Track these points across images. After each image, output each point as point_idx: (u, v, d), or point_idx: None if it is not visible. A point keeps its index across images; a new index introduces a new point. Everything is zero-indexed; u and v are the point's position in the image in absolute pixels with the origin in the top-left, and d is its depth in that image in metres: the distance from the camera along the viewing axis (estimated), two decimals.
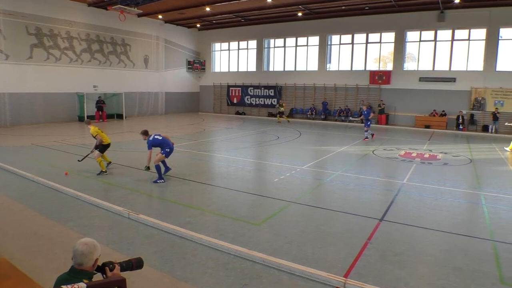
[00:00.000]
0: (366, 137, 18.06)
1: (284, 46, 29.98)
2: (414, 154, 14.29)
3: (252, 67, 31.77)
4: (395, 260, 5.28)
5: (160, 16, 28.05)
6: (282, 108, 25.79)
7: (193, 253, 5.38)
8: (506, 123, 19.11)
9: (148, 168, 9.29)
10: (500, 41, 23.06)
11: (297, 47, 29.35)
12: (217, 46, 33.99)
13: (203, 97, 34.84)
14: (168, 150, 9.25)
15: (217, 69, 34.21)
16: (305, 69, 29.22)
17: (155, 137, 9.29)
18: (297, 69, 29.57)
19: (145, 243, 5.76)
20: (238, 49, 32.47)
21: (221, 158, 13.04)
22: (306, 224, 6.66)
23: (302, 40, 29.08)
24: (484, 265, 5.22)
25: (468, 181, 10.69)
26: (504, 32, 22.97)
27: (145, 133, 9.55)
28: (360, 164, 12.43)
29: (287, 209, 7.39)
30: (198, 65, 33.70)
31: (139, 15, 25.93)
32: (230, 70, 33.26)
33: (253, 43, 31.44)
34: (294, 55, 29.56)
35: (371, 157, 13.74)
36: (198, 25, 31.79)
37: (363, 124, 18.69)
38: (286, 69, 30.09)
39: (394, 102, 25.71)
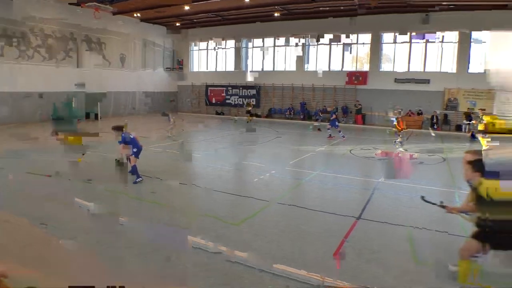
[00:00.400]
0: (331, 135, 18.41)
1: (263, 46, 30.08)
2: (390, 154, 14.61)
3: (231, 67, 31.71)
4: (371, 258, 5.40)
5: (136, 14, 27.57)
6: (249, 108, 25.08)
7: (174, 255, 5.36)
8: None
9: (118, 161, 9.32)
10: (472, 43, 23.91)
11: (276, 47, 29.52)
12: (195, 45, 33.73)
13: (181, 96, 34.53)
14: (136, 150, 9.17)
15: (195, 69, 33.95)
16: (284, 69, 29.41)
17: (128, 135, 9.24)
18: (275, 69, 29.72)
19: (124, 246, 5.68)
20: (216, 48, 32.27)
21: (200, 158, 12.99)
22: (286, 224, 6.73)
23: (280, 40, 29.24)
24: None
25: (442, 179, 11.01)
26: (476, 35, 23.83)
27: (119, 128, 9.42)
28: (337, 164, 12.63)
29: (267, 209, 7.43)
30: (176, 64, 33.34)
31: (115, 13, 25.45)
32: (209, 70, 33.10)
33: (231, 43, 31.36)
34: (272, 55, 29.70)
35: (349, 156, 13.96)
36: (177, 24, 31.39)
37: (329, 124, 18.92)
38: (264, 69, 30.17)
39: (371, 102, 26.16)
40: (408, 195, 8.90)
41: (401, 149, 15.42)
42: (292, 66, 29.04)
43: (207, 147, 15.39)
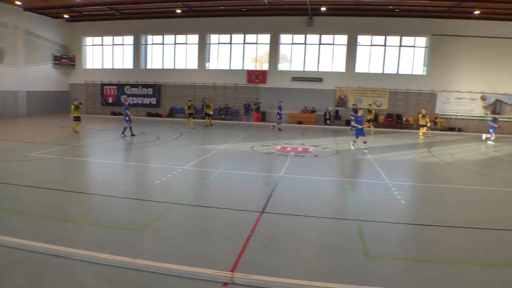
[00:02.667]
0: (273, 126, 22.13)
1: (163, 44, 29.23)
2: (289, 149, 15.40)
3: (129, 65, 30.16)
4: (277, 249, 5.63)
5: (18, 2, 24.49)
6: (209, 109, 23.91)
7: (70, 271, 4.88)
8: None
9: None
10: (358, 46, 26.47)
11: (176, 45, 28.95)
12: (88, 40, 31.20)
13: (73, 96, 31.44)
14: None
15: (89, 66, 31.41)
16: (185, 68, 28.97)
17: None
18: (176, 67, 29.13)
19: (10, 269, 4.88)
20: (113, 44, 30.44)
21: (96, 163, 12.07)
22: (190, 225, 6.66)
23: (181, 38, 28.74)
24: (352, 243, 5.96)
25: (335, 170, 12.00)
26: (361, 39, 26.43)
27: None
28: (240, 161, 12.89)
29: (170, 211, 7.25)
30: (66, 60, 30.26)
31: None
32: (104, 67, 30.91)
33: (129, 39, 29.80)
34: (173, 53, 29.06)
35: (251, 153, 14.35)
36: (65, 16, 28.73)
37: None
38: (165, 67, 29.38)
39: (270, 101, 27.23)
40: (306, 187, 9.51)
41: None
42: (193, 64, 28.74)
43: (104, 151, 14.42)
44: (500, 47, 24.75)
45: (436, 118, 25.12)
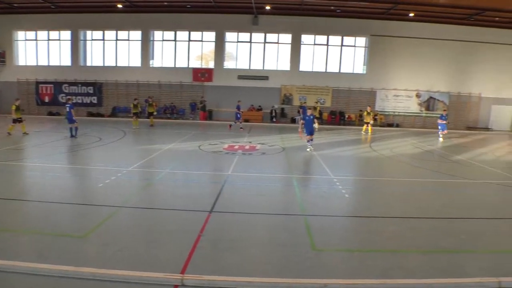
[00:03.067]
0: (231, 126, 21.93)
1: (103, 40, 27.95)
2: (236, 147, 15.45)
3: (67, 61, 28.47)
4: (227, 247, 5.64)
5: None
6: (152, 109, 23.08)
7: (6, 285, 4.55)
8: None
9: None
10: (302, 45, 27.14)
11: (118, 41, 27.83)
12: (20, 35, 28.91)
13: (4, 95, 29.26)
14: None
15: (21, 62, 29.16)
16: (127, 65, 27.94)
17: None
18: (118, 65, 28.01)
19: None
20: (48, 39, 28.53)
21: (33, 168, 11.25)
22: (138, 228, 6.46)
23: (123, 34, 27.66)
24: (300, 237, 6.13)
25: (282, 167, 12.23)
26: (305, 38, 27.12)
27: None
28: (188, 160, 12.71)
29: (116, 215, 6.99)
30: None
31: None
32: (40, 64, 28.83)
33: (66, 34, 28.07)
34: (115, 49, 27.90)
35: (198, 152, 14.22)
36: None
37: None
38: (106, 65, 28.14)
39: (217, 99, 27.14)
40: (255, 184, 9.61)
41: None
42: (136, 62, 27.81)
43: (42, 154, 13.52)
44: (432, 47, 26.64)
45: (376, 115, 26.43)
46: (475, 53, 26.96)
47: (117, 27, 27.46)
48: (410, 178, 11.33)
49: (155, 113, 23.24)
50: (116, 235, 6.04)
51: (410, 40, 26.66)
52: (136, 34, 27.52)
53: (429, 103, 27.68)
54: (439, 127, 20.58)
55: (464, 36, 26.47)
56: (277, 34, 27.15)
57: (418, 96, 27.59)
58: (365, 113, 22.23)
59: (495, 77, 27.28)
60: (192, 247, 5.56)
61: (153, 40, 27.83)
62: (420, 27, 26.27)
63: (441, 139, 20.25)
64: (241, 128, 22.08)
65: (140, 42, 27.52)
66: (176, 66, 27.72)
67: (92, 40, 28.37)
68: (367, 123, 21.85)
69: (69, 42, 28.09)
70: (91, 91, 27.95)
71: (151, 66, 27.89)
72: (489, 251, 6.03)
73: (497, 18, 24.52)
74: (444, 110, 22.05)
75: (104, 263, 4.99)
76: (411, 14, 24.68)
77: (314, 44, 27.38)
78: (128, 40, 27.77)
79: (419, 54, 26.79)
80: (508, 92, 27.58)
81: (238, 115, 21.86)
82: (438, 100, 27.61)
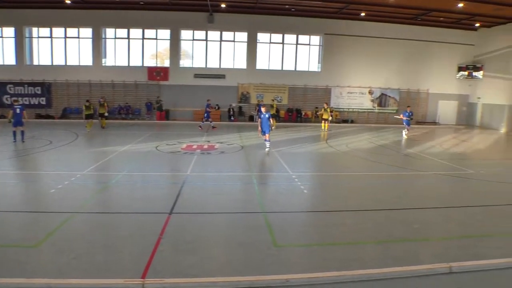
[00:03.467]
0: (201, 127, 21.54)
1: (51, 37, 26.49)
2: (195, 146, 15.30)
3: (11, 60, 26.69)
4: (188, 248, 5.58)
5: None
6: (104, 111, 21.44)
7: None
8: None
9: None
10: (258, 44, 27.28)
11: (67, 39, 26.49)
12: None
13: None
14: None
15: None
16: (78, 64, 26.70)
17: None
18: (68, 64, 26.69)
19: None
20: None
21: None
22: (94, 233, 6.21)
23: (73, 31, 26.40)
24: (260, 234, 6.18)
25: (241, 165, 12.25)
26: (261, 36, 27.29)
27: None
28: (144, 162, 12.41)
29: (71, 221, 6.69)
30: None
31: None
32: None
33: (9, 31, 26.21)
34: (64, 47, 26.56)
35: (155, 153, 13.93)
36: None
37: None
38: (55, 64, 26.70)
39: (174, 98, 26.69)
40: (214, 184, 9.58)
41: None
42: (87, 60, 26.65)
43: None
44: (383, 46, 27.76)
45: (332, 112, 27.11)
46: (423, 51, 28.40)
47: (66, 24, 26.11)
48: (365, 172, 11.75)
49: (106, 114, 21.57)
50: (71, 242, 5.78)
51: (362, 39, 27.59)
52: (87, 32, 26.35)
53: (381, 100, 28.81)
54: (405, 124, 20.23)
55: (413, 35, 27.82)
56: (233, 32, 27.10)
57: (370, 93, 28.63)
58: (322, 110, 22.66)
59: (440, 74, 28.92)
60: (153, 250, 5.44)
61: (105, 38, 26.81)
62: (371, 26, 27.26)
63: (404, 136, 20.05)
64: (213, 127, 21.85)
65: (91, 40, 26.39)
66: (130, 65, 26.89)
67: (39, 37, 26.78)
68: (325, 119, 22.30)
69: (13, 39, 26.28)
70: (39, 92, 26.43)
71: (103, 65, 26.85)
72: (440, 238, 6.39)
73: (441, 18, 25.95)
74: (408, 107, 21.76)
75: (59, 272, 4.77)
76: (363, 14, 25.53)
77: (270, 43, 27.61)
78: (78, 37, 26.51)
79: (371, 52, 27.81)
80: (452, 88, 29.32)
81: (207, 114, 21.53)
82: (389, 96, 28.80)
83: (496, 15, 23.94)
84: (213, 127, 21.90)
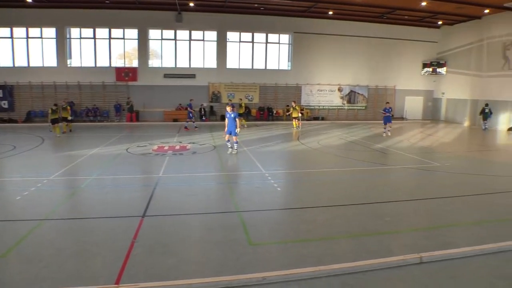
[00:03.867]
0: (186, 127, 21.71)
1: (12, 37, 25.36)
2: (166, 147, 15.10)
3: None
4: (162, 251, 5.51)
5: None
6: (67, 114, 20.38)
7: None
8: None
9: None
10: (228, 43, 27.17)
11: (29, 39, 25.45)
12: None
13: None
14: None
15: None
16: (42, 65, 25.72)
17: None
18: (31, 65, 25.66)
19: None
20: None
21: None
22: (65, 241, 6.00)
23: (35, 31, 25.38)
24: (235, 234, 6.19)
25: (214, 165, 12.21)
26: (230, 35, 27.19)
27: None
28: (115, 165, 12.12)
29: (39, 229, 6.45)
30: None
31: None
32: None
33: None
34: (26, 48, 25.48)
35: (126, 155, 13.65)
36: None
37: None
38: (16, 65, 25.58)
39: (143, 99, 26.21)
40: (187, 184, 9.50)
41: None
42: (52, 62, 25.71)
43: None
44: (351, 44, 28.35)
45: (302, 109, 27.43)
46: (389, 49, 29.19)
47: (28, 24, 25.08)
48: (337, 168, 11.95)
49: (69, 118, 20.38)
50: (40, 250, 5.57)
51: (331, 37, 28.03)
52: (50, 32, 25.42)
53: (350, 97, 29.38)
54: (383, 121, 19.92)
55: (379, 33, 28.54)
56: (202, 32, 26.87)
57: (340, 90, 29.14)
58: (291, 109, 22.76)
59: (406, 71, 29.85)
60: (126, 255, 5.34)
61: (70, 38, 25.95)
62: (339, 24, 27.74)
63: (384, 135, 19.62)
64: (195, 127, 21.74)
65: (55, 40, 25.48)
66: (97, 65, 26.17)
67: None
68: (295, 118, 22.48)
69: None
70: (1, 95, 25.28)
71: (69, 66, 25.98)
72: (410, 229, 6.60)
73: (406, 17, 26.72)
74: (387, 103, 20.82)
75: (29, 282, 4.61)
76: (331, 12, 25.91)
77: (240, 42, 27.59)
78: (41, 38, 25.55)
79: (340, 50, 28.32)
80: (418, 84, 30.31)
81: (191, 114, 21.59)
82: (358, 93, 29.42)
83: (458, 13, 24.92)
84: (195, 127, 21.84)
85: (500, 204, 8.03)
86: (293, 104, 22.68)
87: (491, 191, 9.12)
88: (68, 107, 20.55)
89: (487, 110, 23.85)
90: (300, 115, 22.86)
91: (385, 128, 20.07)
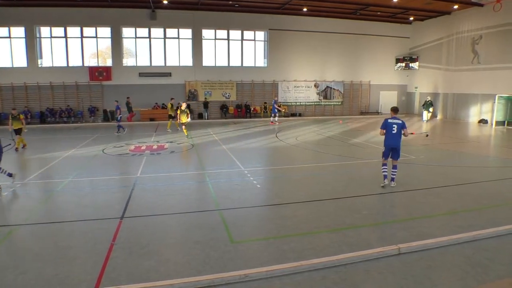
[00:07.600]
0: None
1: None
2: (143, 147, 14.92)
3: None
4: (142, 252, 5.46)
5: None
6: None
7: None
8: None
9: None
10: (203, 40, 26.99)
11: None
12: None
13: None
14: None
15: None
16: (11, 66, 24.88)
17: None
18: (0, 66, 24.80)
19: None
20: None
21: None
22: (42, 246, 5.84)
23: (3, 31, 24.51)
24: (216, 232, 6.19)
25: (193, 164, 12.16)
26: (206, 32, 27.02)
27: None
28: (91, 166, 11.90)
29: (14, 235, 6.28)
30: None
31: None
32: None
33: None
34: None
35: (102, 156, 13.41)
36: None
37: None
38: None
39: (118, 99, 25.61)
40: (166, 184, 9.43)
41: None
42: (21, 62, 24.89)
43: None
44: (326, 40, 28.65)
45: (280, 106, 27.57)
46: (363, 45, 29.69)
47: None
48: (315, 163, 12.10)
49: (25, 130, 15.36)
50: (16, 257, 5.44)
51: (305, 34, 28.25)
52: (19, 31, 24.60)
53: (326, 92, 29.72)
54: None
55: (353, 29, 28.98)
56: (177, 29, 26.58)
57: (316, 86, 29.44)
58: (178, 111, 21.51)
59: (380, 66, 30.43)
60: (105, 258, 5.27)
61: (40, 37, 25.18)
62: (314, 21, 27.99)
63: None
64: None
65: (24, 39, 24.68)
66: (70, 65, 25.52)
67: None
68: (183, 123, 20.91)
69: None
70: None
71: (40, 66, 25.24)
72: (387, 222, 6.76)
73: (379, 13, 27.21)
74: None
75: None
76: (305, 9, 26.11)
77: (215, 39, 27.45)
78: (9, 37, 24.70)
79: (315, 47, 28.59)
80: (392, 79, 30.95)
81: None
82: (334, 89, 29.80)
83: (428, 9, 25.56)
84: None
85: (471, 194, 8.33)
86: (182, 105, 18.53)
87: (463, 182, 9.44)
88: (21, 116, 15.23)
89: (428, 103, 25.99)
90: (278, 112, 22.96)
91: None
